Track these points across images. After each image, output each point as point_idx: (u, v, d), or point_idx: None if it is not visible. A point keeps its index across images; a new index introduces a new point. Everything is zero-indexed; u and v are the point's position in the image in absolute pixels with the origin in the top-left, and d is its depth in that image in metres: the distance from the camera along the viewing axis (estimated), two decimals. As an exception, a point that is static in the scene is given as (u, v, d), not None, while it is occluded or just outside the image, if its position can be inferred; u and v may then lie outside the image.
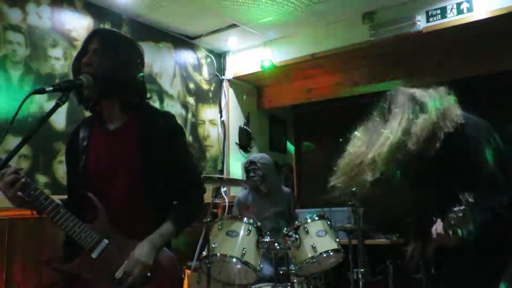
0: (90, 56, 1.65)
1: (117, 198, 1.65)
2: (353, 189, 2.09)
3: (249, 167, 3.83)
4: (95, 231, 1.60)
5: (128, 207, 1.66)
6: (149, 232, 1.63)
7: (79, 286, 1.63)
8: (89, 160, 1.70)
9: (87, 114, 1.83)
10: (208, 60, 4.83)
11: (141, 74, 1.74)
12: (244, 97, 5.24)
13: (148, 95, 1.78)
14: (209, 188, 3.12)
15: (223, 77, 4.97)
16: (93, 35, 1.70)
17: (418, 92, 2.02)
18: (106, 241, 1.60)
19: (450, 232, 1.68)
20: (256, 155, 4.03)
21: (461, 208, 1.63)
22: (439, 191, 1.90)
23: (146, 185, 1.66)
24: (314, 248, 3.00)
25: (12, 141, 2.76)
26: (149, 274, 1.59)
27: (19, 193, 1.55)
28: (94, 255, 1.58)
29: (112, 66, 1.63)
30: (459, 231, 1.68)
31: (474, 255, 1.86)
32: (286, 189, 3.99)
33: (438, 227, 1.78)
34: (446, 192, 1.79)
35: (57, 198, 1.66)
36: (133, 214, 1.66)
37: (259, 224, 3.07)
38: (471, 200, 1.60)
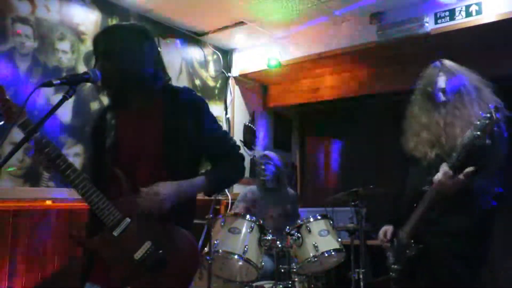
0: (103, 60, 1.64)
1: (144, 176, 1.64)
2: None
3: (264, 161, 3.82)
4: (118, 209, 1.58)
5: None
6: (175, 211, 1.60)
7: (98, 268, 1.62)
8: (117, 138, 1.70)
9: (94, 108, 1.84)
10: (215, 57, 4.83)
11: (159, 66, 1.74)
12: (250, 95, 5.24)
13: (167, 77, 1.78)
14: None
15: (229, 74, 4.97)
16: (101, 37, 1.69)
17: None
18: (128, 220, 1.58)
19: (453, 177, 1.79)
20: (270, 152, 4.01)
21: (487, 115, 1.66)
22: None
23: (172, 163, 1.66)
24: (316, 247, 3.00)
25: (19, 134, 2.78)
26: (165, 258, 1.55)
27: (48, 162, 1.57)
28: (115, 233, 1.56)
29: (129, 66, 1.64)
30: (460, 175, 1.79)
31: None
32: (291, 191, 3.99)
33: (441, 171, 1.83)
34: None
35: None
36: None
37: (261, 222, 3.08)
38: (499, 105, 1.69)
